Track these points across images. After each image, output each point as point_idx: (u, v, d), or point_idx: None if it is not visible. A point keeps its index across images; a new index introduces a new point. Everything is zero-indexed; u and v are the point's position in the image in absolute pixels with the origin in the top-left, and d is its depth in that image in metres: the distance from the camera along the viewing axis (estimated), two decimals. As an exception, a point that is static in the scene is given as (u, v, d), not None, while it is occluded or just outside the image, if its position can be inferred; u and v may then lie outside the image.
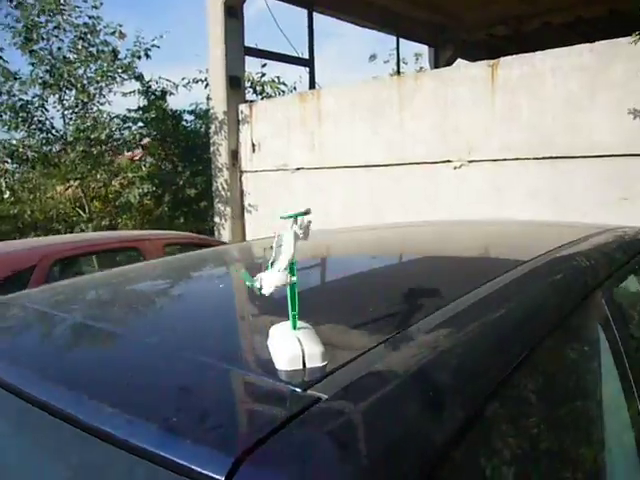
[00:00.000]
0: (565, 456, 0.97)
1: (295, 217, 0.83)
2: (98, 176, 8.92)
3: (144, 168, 9.14)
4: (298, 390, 0.70)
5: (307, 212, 0.84)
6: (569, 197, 5.04)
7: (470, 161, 5.72)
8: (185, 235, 5.04)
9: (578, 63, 4.87)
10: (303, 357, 0.77)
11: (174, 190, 8.69)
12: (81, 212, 8.99)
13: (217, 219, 8.05)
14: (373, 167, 6.46)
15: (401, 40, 11.64)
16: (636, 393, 1.14)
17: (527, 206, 5.23)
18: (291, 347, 0.78)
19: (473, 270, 1.34)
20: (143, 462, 0.61)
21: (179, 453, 0.59)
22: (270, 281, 0.83)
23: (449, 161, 5.84)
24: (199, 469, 0.57)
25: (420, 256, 1.68)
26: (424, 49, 12.67)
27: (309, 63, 9.49)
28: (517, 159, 5.36)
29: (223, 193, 7.93)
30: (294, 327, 0.82)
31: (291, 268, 0.82)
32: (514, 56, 5.24)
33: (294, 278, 0.82)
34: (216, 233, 8.00)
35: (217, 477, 0.56)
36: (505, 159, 5.45)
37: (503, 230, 2.09)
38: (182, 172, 8.87)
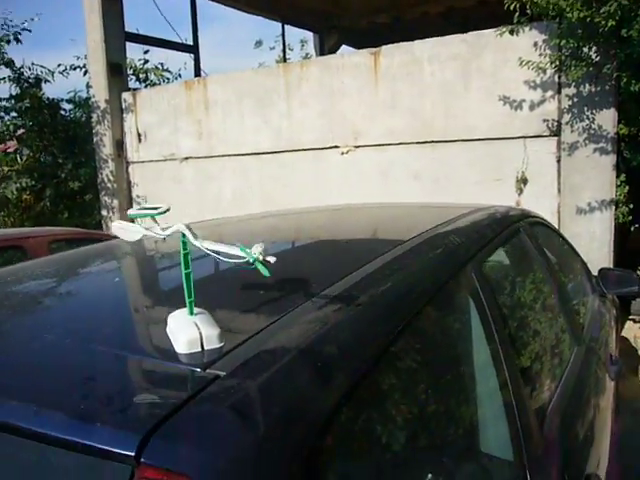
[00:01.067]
0: (443, 415, 1.09)
1: (146, 216, 0.89)
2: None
3: (20, 161, 8.58)
4: (198, 370, 0.75)
5: (163, 210, 0.90)
6: (449, 178, 5.36)
7: (357, 146, 5.92)
8: (71, 230, 4.84)
9: (453, 52, 5.17)
10: (201, 340, 0.81)
11: (55, 184, 8.24)
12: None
13: (104, 212, 7.75)
14: (263, 155, 6.50)
15: (287, 26, 11.70)
16: (502, 356, 1.29)
17: (411, 188, 5.51)
18: (189, 331, 0.82)
19: (356, 252, 1.44)
20: (57, 450, 0.64)
21: (91, 437, 0.63)
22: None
23: (337, 147, 6.01)
24: (111, 449, 0.61)
25: (306, 241, 1.77)
26: (309, 35, 12.82)
27: (194, 50, 9.30)
28: (400, 143, 5.62)
29: (109, 185, 7.64)
30: (191, 313, 0.87)
31: (185, 260, 0.87)
32: (394, 44, 5.46)
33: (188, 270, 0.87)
34: (104, 227, 7.70)
35: (128, 454, 0.60)
36: (389, 144, 5.69)
37: (384, 213, 2.22)
38: (64, 164, 8.42)
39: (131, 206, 7.77)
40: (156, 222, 0.93)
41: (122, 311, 1.14)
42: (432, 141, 5.44)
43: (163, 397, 0.74)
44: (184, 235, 0.88)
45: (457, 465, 1.05)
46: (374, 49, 5.62)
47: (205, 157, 6.95)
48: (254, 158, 6.57)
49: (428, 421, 1.02)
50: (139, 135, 7.53)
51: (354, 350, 0.87)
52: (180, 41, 9.27)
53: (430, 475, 0.96)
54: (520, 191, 4.91)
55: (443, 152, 5.40)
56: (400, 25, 10.53)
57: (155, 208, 0.91)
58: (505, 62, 4.86)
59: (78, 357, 0.86)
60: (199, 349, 0.81)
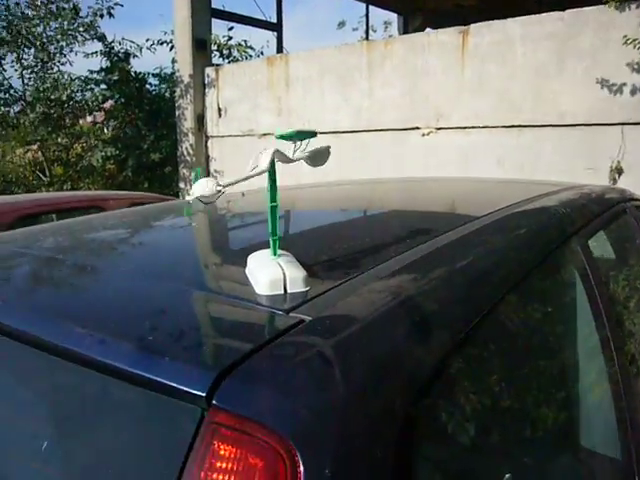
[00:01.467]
0: (542, 401, 0.98)
1: (290, 138, 0.80)
2: (59, 139, 8.64)
3: (107, 131, 8.87)
4: (280, 312, 0.69)
5: (311, 134, 0.82)
6: (535, 166, 5.10)
7: (438, 128, 5.72)
8: (150, 195, 4.94)
9: (547, 31, 4.88)
10: (284, 281, 0.75)
11: (138, 154, 8.47)
12: (42, 176, 8.72)
13: (182, 184, 7.91)
14: (342, 133, 6.41)
15: (371, 8, 11.50)
16: (611, 340, 1.16)
17: (493, 174, 5.27)
18: (271, 271, 0.76)
19: (443, 218, 1.33)
20: (123, 384, 0.58)
21: (158, 371, 0.57)
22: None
23: (417, 128, 5.84)
24: (180, 386, 0.55)
25: (384, 209, 1.67)
26: (393, 17, 12.56)
27: (277, 27, 9.30)
28: (485, 127, 5.38)
29: (188, 158, 7.78)
30: (274, 253, 0.80)
31: (272, 194, 0.79)
32: (485, 22, 5.22)
33: (275, 203, 0.80)
34: (181, 199, 7.86)
35: (198, 394, 0.53)
36: (473, 127, 5.47)
37: (476, 185, 2.09)
38: (146, 136, 8.64)
39: (207, 176, 7.85)
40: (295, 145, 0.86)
41: (200, 254, 1.10)
42: (519, 125, 5.18)
43: (241, 337, 0.67)
44: (272, 163, 0.81)
45: (554, 457, 0.94)
46: (462, 27, 5.40)
47: (283, 134, 6.92)
48: (333, 137, 6.48)
49: (525, 406, 0.91)
50: (219, 110, 7.60)
51: (454, 311, 0.78)
52: (264, 19, 9.29)
53: (525, 461, 0.86)
54: (614, 181, 4.59)
55: (530, 138, 5.14)
56: (487, 7, 10.11)
57: (305, 132, 0.84)
58: (606, 42, 4.53)
59: (153, 293, 0.82)
60: (281, 291, 0.75)
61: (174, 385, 0.55)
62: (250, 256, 0.84)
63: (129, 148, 8.54)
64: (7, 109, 8.40)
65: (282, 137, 0.80)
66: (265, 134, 7.12)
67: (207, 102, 7.74)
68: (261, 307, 0.72)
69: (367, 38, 11.89)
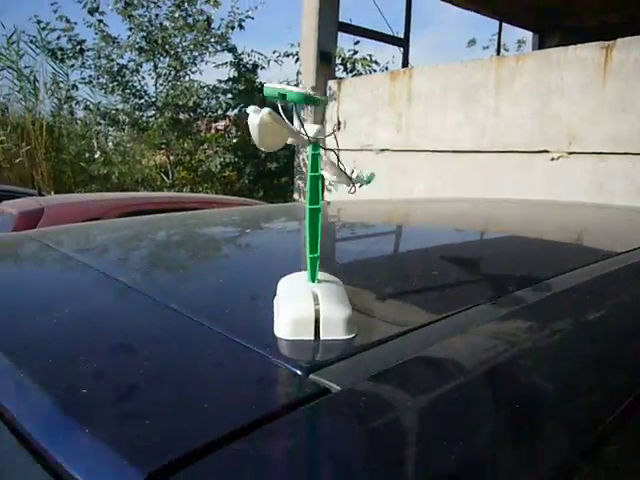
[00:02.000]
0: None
1: (281, 98, 0.57)
2: (185, 145, 9.01)
3: (227, 139, 9.14)
4: (295, 372, 0.49)
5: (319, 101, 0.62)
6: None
7: (570, 153, 5.26)
8: (254, 202, 4.94)
9: None
10: (317, 322, 0.55)
11: (255, 163, 8.64)
12: (165, 178, 9.14)
13: (296, 195, 7.93)
14: (462, 153, 6.10)
15: (504, 26, 11.02)
16: None
17: (631, 204, 4.73)
18: (299, 306, 0.56)
19: (563, 253, 1.07)
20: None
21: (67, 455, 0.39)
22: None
23: (546, 151, 5.40)
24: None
25: (495, 233, 1.42)
26: (528, 35, 11.97)
27: (404, 43, 9.14)
28: (625, 153, 4.86)
29: (304, 169, 7.79)
30: (313, 279, 0.61)
31: (313, 194, 0.61)
32: (634, 36, 4.73)
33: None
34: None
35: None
36: (611, 152, 4.96)
37: (609, 213, 1.77)
38: (265, 145, 8.78)
39: (323, 192, 7.84)
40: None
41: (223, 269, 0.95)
42: (666, 153, 4.62)
43: (207, 416, 0.43)
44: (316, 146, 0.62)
45: None
46: (606, 42, 4.93)
47: (402, 150, 6.74)
48: (452, 156, 6.20)
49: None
50: (339, 123, 7.54)
51: (577, 392, 0.54)
52: (391, 34, 9.17)
53: None
54: None
55: (678, 167, 4.56)
56: (634, 26, 9.34)
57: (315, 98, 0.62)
58: None
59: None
60: (310, 337, 0.55)
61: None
62: (282, 279, 0.66)
63: (247, 156, 8.73)
64: (140, 114, 8.90)
65: (269, 96, 0.58)
66: (383, 149, 6.96)
67: (327, 115, 7.72)
68: (270, 359, 0.52)
69: (499, 54, 11.41)
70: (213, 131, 10.08)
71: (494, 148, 5.82)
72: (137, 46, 8.38)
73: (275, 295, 0.64)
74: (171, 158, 9.19)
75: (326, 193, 7.80)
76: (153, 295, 0.73)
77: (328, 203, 1.36)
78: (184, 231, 1.38)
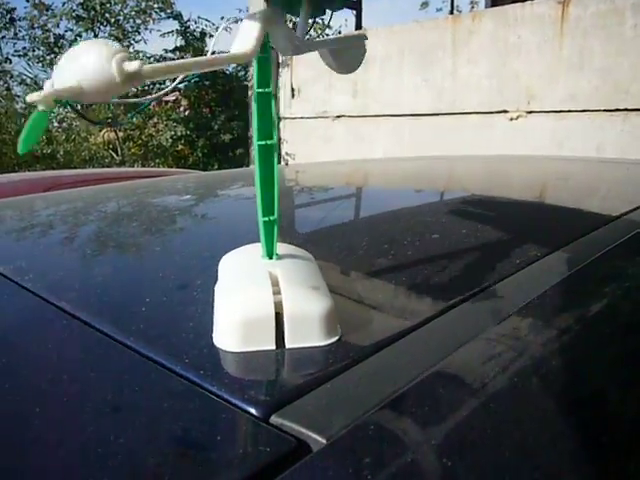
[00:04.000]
0: None
1: None
2: (134, 119, 8.62)
3: (178, 111, 8.79)
4: (250, 412, 0.32)
5: None
6: (641, 155, 4.50)
7: (529, 112, 5.18)
8: (190, 172, 4.73)
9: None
10: (279, 321, 0.38)
11: (208, 135, 8.33)
12: (114, 155, 8.75)
13: (253, 167, 7.70)
14: (420, 116, 5.96)
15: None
16: None
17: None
18: (252, 296, 0.39)
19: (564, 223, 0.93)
20: None
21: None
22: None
23: (505, 111, 5.31)
24: None
25: (491, 190, 1.27)
26: (480, -5, 11.84)
27: (356, 5, 8.87)
28: (584, 111, 4.80)
29: (259, 140, 7.55)
30: (269, 254, 0.43)
31: (263, 124, 0.44)
32: (591, -10, 4.63)
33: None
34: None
35: None
36: (569, 110, 4.90)
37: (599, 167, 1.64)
38: (217, 117, 8.48)
39: (279, 163, 7.64)
40: None
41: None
42: (625, 109, 4.58)
43: None
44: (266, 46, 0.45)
45: None
46: (563, -2, 4.82)
47: (358, 116, 6.56)
48: (410, 120, 6.06)
49: None
50: (292, 90, 7.31)
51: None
52: (342, -4, 8.88)
53: None
54: None
55: (637, 123, 4.53)
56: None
57: None
58: None
59: None
60: (270, 346, 0.38)
61: None
62: (226, 257, 0.48)
63: (200, 129, 8.41)
64: (84, 88, 8.41)
65: None
66: (339, 116, 6.77)
67: (280, 82, 7.46)
68: (203, 391, 0.34)
69: (452, 13, 11.27)
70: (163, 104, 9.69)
71: (453, 110, 5.71)
72: (74, 14, 7.88)
73: (216, 281, 0.46)
74: (120, 134, 8.79)
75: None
76: (28, 286, 0.54)
77: (287, 164, 1.17)
78: (91, 206, 1.15)
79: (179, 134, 8.02)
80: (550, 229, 0.82)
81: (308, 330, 0.38)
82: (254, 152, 0.44)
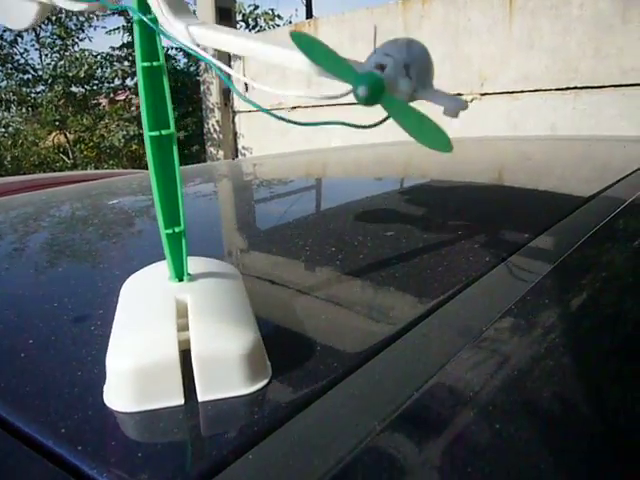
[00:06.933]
0: None
1: None
2: (84, 120, 8.37)
3: (129, 110, 8.55)
4: None
5: None
6: (594, 132, 4.56)
7: (483, 94, 5.20)
8: (129, 172, 4.60)
9: (609, -23, 4.30)
10: (186, 365, 0.31)
11: (163, 133, 8.13)
12: (65, 158, 8.48)
13: (209, 163, 7.56)
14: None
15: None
16: None
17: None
18: (150, 335, 0.31)
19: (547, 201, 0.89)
20: None
21: None
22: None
23: (460, 94, 5.31)
24: None
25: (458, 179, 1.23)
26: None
27: (305, -6, 8.80)
28: (536, 90, 4.84)
29: (215, 135, 7.41)
30: (178, 275, 0.35)
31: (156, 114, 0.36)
32: (537, -30, 4.65)
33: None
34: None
35: None
36: (522, 91, 4.94)
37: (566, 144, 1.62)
38: (171, 114, 8.29)
39: (236, 158, 7.53)
40: None
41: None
42: (575, 87, 4.63)
43: None
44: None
45: None
46: (510, -21, 4.83)
47: (314, 106, 6.49)
48: (363, 108, 6.02)
49: None
50: (246, 83, 7.18)
51: None
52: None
53: None
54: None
55: (588, 101, 4.59)
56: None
57: None
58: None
59: None
60: (177, 401, 0.30)
61: None
62: (128, 281, 0.40)
63: (154, 127, 8.21)
64: (28, 90, 8.14)
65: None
66: (295, 107, 6.69)
67: (234, 78, 7.33)
68: (87, 475, 0.25)
69: None
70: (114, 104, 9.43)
71: (407, 96, 5.69)
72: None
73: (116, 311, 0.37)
74: (69, 136, 8.52)
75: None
76: None
77: (234, 159, 1.07)
78: None
79: (132, 134, 7.81)
80: (529, 213, 0.78)
81: (226, 375, 0.30)
82: (146, 147, 0.36)
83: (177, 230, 0.35)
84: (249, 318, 0.34)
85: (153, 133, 0.35)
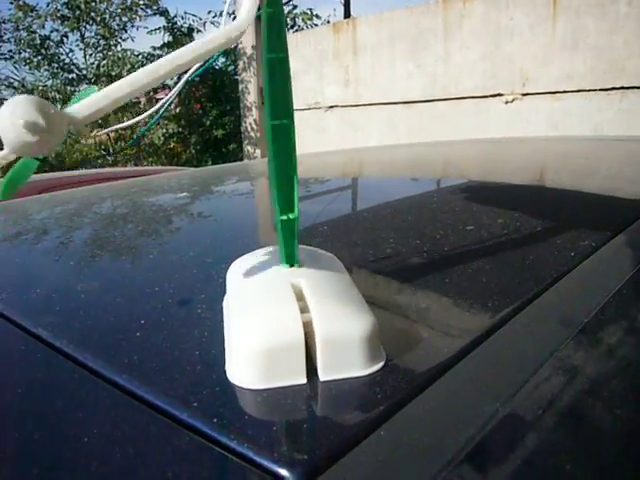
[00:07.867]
0: None
1: None
2: (125, 119, 8.53)
3: (169, 108, 8.69)
4: (281, 475, 0.24)
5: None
6: (640, 133, 4.44)
7: (524, 94, 5.11)
8: (178, 169, 4.67)
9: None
10: (309, 347, 0.31)
11: (201, 132, 8.24)
12: (107, 155, 8.67)
13: (247, 161, 7.62)
14: (414, 103, 5.89)
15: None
16: None
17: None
18: (276, 316, 0.31)
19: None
20: None
21: None
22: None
23: (500, 95, 5.24)
24: None
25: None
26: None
27: (344, -7, 8.77)
28: (579, 91, 4.74)
29: (252, 134, 7.46)
30: (290, 260, 0.36)
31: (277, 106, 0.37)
32: (583, -33, 4.55)
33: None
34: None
35: None
36: (565, 91, 4.83)
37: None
38: (209, 112, 8.39)
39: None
40: None
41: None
42: (622, 87, 4.51)
43: None
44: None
45: None
46: (555, -24, 4.74)
47: (351, 106, 6.48)
48: (404, 107, 5.98)
49: None
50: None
51: None
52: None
53: None
54: None
55: (635, 101, 4.46)
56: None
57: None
58: None
59: None
60: (299, 380, 0.30)
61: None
62: (234, 264, 0.41)
63: (191, 125, 8.32)
64: (72, 89, 8.34)
65: None
66: (332, 106, 6.69)
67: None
68: (213, 444, 0.27)
69: None
70: (154, 102, 9.60)
71: (446, 96, 5.63)
72: (59, 14, 7.76)
73: (224, 296, 0.39)
74: (111, 134, 8.70)
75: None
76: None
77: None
78: (73, 210, 1.06)
79: (171, 131, 7.93)
80: (597, 217, 0.75)
81: (347, 357, 0.31)
82: (266, 135, 0.37)
83: (291, 217, 0.36)
84: (362, 302, 0.34)
85: (275, 122, 0.36)
